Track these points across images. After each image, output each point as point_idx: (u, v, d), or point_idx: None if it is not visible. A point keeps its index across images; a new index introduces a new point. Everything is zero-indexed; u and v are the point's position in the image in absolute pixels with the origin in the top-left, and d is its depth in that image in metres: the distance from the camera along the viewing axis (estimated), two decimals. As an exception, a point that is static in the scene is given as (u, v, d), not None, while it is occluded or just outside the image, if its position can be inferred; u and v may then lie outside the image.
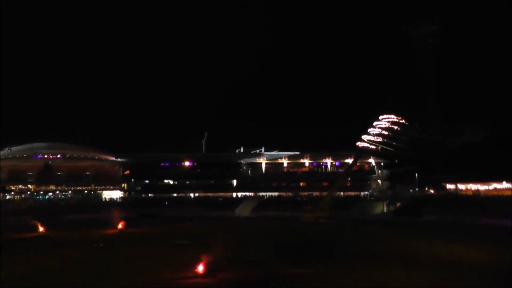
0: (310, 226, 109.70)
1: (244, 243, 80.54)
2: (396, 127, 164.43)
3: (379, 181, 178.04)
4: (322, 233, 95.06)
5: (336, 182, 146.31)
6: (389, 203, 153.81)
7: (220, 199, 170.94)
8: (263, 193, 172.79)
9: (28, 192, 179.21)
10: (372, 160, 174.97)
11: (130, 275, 57.07)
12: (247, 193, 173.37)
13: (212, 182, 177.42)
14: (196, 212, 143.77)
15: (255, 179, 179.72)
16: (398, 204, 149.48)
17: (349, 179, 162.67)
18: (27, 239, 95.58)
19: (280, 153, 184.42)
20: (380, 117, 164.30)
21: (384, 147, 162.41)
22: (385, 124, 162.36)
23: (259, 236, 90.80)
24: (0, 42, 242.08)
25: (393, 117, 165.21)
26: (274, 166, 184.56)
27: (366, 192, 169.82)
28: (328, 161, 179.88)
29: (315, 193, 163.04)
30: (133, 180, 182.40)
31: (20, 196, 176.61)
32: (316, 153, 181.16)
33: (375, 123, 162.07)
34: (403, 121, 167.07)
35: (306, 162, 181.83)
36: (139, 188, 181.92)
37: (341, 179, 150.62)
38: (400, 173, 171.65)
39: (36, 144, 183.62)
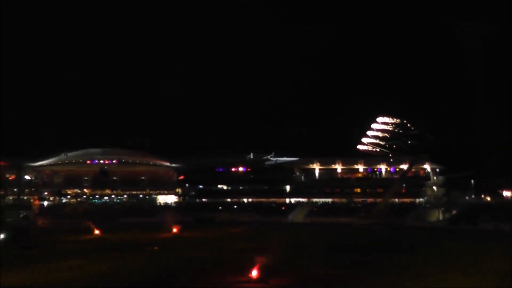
0: (365, 233, 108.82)
1: (298, 248, 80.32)
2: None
3: (434, 187, 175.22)
4: (378, 240, 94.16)
5: (391, 188, 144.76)
6: (444, 210, 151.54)
7: (274, 205, 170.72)
8: (317, 199, 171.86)
9: (84, 196, 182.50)
10: (427, 166, 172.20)
11: (184, 279, 57.54)
12: (301, 199, 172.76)
13: (266, 187, 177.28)
14: (250, 217, 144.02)
15: (308, 185, 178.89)
16: (453, 212, 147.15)
17: (404, 185, 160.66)
18: (83, 242, 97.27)
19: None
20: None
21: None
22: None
23: (313, 242, 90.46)
24: (52, 51, 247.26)
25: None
26: (327, 171, 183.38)
27: (421, 199, 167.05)
28: (383, 167, 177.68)
29: (370, 200, 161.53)
30: (187, 185, 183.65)
31: (76, 200, 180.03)
32: (371, 158, 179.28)
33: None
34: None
35: (361, 167, 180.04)
36: (193, 193, 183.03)
37: (396, 185, 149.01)
38: (456, 179, 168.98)
39: (92, 150, 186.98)
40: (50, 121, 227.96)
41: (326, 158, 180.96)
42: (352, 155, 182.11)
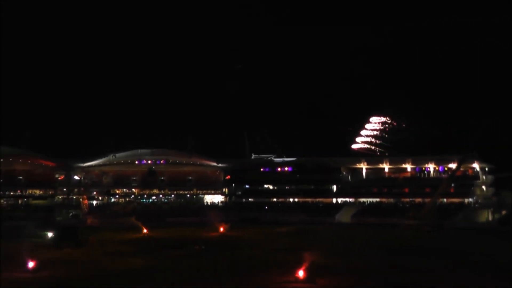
0: (413, 233, 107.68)
1: (345, 249, 79.85)
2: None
3: (483, 187, 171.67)
4: (426, 240, 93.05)
5: (439, 188, 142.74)
6: (494, 210, 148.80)
7: (320, 205, 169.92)
8: (364, 199, 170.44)
9: (132, 196, 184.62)
10: (476, 165, 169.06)
11: (232, 277, 57.68)
12: (347, 199, 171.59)
13: (312, 187, 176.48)
14: (296, 217, 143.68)
15: (355, 185, 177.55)
16: (503, 212, 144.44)
17: (452, 185, 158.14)
18: (132, 240, 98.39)
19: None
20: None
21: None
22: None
23: (361, 243, 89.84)
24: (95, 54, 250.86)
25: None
26: (375, 171, 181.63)
27: (470, 199, 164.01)
28: (431, 166, 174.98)
29: (418, 200, 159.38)
30: (234, 185, 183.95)
31: (125, 199, 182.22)
32: (419, 157, 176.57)
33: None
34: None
35: (408, 167, 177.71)
36: (240, 192, 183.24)
37: (444, 185, 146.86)
38: (506, 178, 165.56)
39: (140, 151, 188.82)
40: (99, 123, 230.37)
41: (374, 157, 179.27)
42: (399, 154, 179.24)
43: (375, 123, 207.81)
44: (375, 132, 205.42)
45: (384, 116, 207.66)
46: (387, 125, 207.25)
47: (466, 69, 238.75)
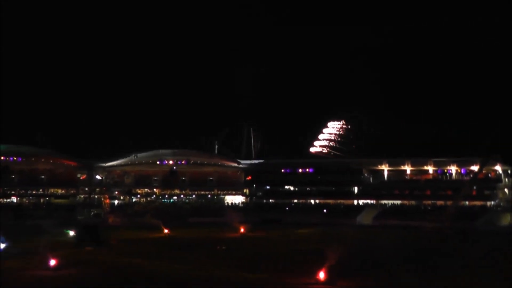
0: (435, 236, 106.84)
1: (366, 251, 79.43)
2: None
3: (506, 190, 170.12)
4: (449, 244, 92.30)
5: (461, 191, 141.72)
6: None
7: (341, 206, 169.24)
8: (385, 201, 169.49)
9: (154, 196, 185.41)
10: (498, 168, 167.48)
11: (252, 278, 57.62)
12: (369, 201, 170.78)
13: (333, 188, 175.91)
14: (317, 218, 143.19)
15: (376, 186, 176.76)
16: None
17: (474, 187, 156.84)
18: (153, 239, 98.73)
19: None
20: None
21: None
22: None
23: (382, 245, 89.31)
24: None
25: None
26: (396, 173, 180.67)
27: (492, 202, 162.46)
28: (453, 168, 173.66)
29: (440, 202, 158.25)
30: (254, 185, 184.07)
31: (146, 199, 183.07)
32: (441, 159, 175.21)
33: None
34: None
35: (430, 169, 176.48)
36: (260, 193, 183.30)
37: (466, 187, 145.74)
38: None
39: (161, 151, 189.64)
40: (120, 123, 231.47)
41: (395, 159, 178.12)
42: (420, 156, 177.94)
43: (332, 128, 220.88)
44: (333, 136, 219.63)
45: (340, 121, 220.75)
46: (343, 129, 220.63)
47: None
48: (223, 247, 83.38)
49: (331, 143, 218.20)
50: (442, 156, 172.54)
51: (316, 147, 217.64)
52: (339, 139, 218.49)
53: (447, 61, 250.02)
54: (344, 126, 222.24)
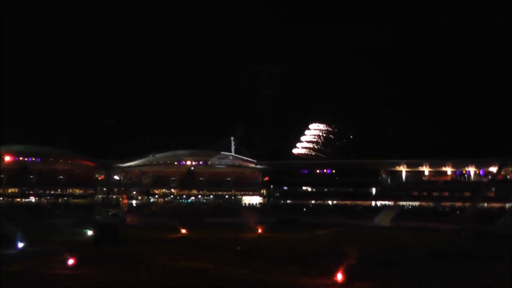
0: (453, 238, 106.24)
1: (384, 253, 79.09)
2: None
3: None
4: (466, 246, 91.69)
5: (480, 193, 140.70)
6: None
7: (359, 207, 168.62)
8: (403, 202, 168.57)
9: (171, 196, 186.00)
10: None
11: (270, 279, 57.50)
12: (387, 202, 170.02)
13: (351, 189, 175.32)
14: (335, 219, 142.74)
15: (394, 188, 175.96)
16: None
17: (493, 189, 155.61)
18: (171, 240, 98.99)
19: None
20: None
21: None
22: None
23: (400, 247, 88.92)
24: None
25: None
26: (414, 174, 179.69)
27: (511, 204, 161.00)
28: (471, 170, 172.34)
29: (458, 204, 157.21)
30: (272, 186, 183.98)
31: (164, 199, 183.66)
32: (459, 160, 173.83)
33: None
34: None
35: (448, 170, 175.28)
36: (278, 194, 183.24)
37: (485, 189, 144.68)
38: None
39: (179, 152, 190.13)
40: (138, 124, 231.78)
41: (413, 160, 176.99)
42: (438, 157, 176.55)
43: (315, 129, 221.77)
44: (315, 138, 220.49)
45: (323, 123, 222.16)
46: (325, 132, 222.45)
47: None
48: (243, 248, 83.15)
49: (315, 145, 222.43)
50: (460, 157, 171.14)
51: (299, 149, 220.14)
52: (346, 138, 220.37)
53: (459, 60, 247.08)
54: (328, 128, 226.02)
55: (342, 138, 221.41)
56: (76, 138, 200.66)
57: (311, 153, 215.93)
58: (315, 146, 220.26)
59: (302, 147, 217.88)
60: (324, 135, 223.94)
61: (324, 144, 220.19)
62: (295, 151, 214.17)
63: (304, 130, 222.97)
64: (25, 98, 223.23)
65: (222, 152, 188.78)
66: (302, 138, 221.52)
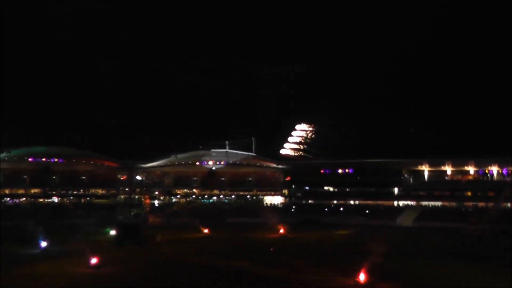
0: (475, 238, 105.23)
1: (407, 253, 78.51)
2: None
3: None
4: (489, 246, 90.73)
5: (503, 192, 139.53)
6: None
7: (381, 207, 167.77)
8: (426, 202, 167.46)
9: (193, 196, 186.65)
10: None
11: (292, 280, 57.37)
12: (409, 202, 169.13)
13: (373, 189, 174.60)
14: (357, 219, 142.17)
15: (417, 187, 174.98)
16: None
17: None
18: (193, 240, 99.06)
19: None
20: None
21: None
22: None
23: (423, 247, 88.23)
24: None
25: None
26: (436, 173, 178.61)
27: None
28: (494, 169, 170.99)
29: (481, 204, 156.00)
30: (293, 186, 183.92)
31: (185, 199, 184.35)
32: (482, 159, 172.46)
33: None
34: None
35: (471, 169, 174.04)
36: (299, 194, 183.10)
37: (508, 188, 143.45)
38: None
39: (200, 152, 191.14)
40: (160, 124, 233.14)
41: (436, 160, 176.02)
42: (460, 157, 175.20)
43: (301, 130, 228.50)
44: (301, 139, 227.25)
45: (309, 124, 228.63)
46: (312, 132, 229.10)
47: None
48: (271, 249, 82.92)
49: (302, 146, 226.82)
50: (483, 156, 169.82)
51: (286, 149, 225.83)
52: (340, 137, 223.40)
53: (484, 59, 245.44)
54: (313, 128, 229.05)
55: (334, 137, 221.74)
56: (98, 139, 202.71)
57: (299, 154, 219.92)
58: (302, 147, 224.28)
59: (290, 148, 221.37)
60: (312, 135, 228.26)
61: (311, 144, 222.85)
62: (282, 151, 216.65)
63: (291, 131, 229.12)
64: (46, 100, 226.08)
65: (242, 152, 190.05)
66: (289, 139, 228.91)
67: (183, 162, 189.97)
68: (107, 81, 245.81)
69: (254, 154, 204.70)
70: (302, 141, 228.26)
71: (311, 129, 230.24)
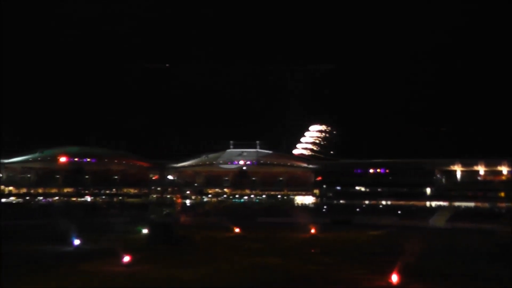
0: (509, 240, 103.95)
1: (440, 254, 77.85)
2: None
3: None
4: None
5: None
6: None
7: (413, 208, 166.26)
8: (458, 203, 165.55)
9: (224, 195, 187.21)
10: None
11: (323, 281, 57.26)
12: (441, 203, 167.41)
13: (405, 190, 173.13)
14: (389, 220, 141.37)
15: (449, 188, 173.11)
16: None
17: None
18: (225, 239, 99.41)
19: None
20: None
21: None
22: None
23: (456, 248, 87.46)
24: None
25: None
26: (469, 174, 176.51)
27: None
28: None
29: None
30: (324, 186, 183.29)
31: (217, 199, 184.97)
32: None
33: None
34: None
35: (504, 169, 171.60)
36: (331, 194, 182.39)
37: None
38: None
39: (231, 151, 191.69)
40: (191, 125, 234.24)
41: (468, 160, 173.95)
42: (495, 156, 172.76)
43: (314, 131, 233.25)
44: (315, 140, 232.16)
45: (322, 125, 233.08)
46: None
47: None
48: (312, 250, 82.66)
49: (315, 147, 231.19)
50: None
51: (299, 149, 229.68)
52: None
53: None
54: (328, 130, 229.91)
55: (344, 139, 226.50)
56: (131, 139, 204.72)
57: (311, 154, 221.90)
58: (315, 148, 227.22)
59: (302, 148, 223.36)
60: (325, 136, 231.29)
61: (324, 146, 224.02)
62: (295, 151, 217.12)
63: (304, 132, 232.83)
64: (81, 102, 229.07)
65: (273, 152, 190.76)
66: (302, 139, 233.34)
67: (214, 162, 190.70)
68: (138, 81, 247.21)
69: (286, 154, 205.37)
70: (316, 141, 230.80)
71: (326, 129, 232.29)
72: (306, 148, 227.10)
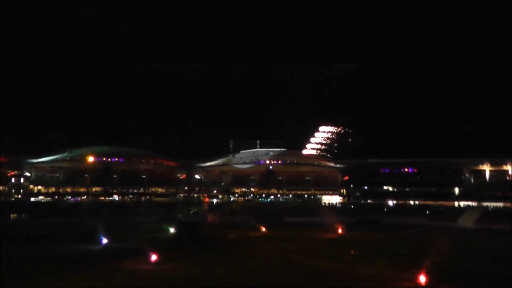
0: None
1: (469, 256, 77.10)
2: None
3: None
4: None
5: None
6: None
7: (441, 208, 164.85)
8: (487, 203, 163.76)
9: (251, 195, 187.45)
10: None
11: (351, 280, 57.10)
12: (470, 203, 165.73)
13: (433, 189, 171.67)
14: (416, 220, 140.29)
15: (478, 188, 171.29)
16: None
17: None
18: (253, 239, 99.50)
19: None
20: None
21: None
22: None
23: (485, 250, 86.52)
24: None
25: None
26: (498, 173, 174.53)
27: None
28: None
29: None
30: (352, 185, 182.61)
31: (243, 198, 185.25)
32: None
33: None
34: None
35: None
36: (358, 194, 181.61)
37: None
38: None
39: (258, 151, 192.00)
40: (218, 125, 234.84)
41: (497, 159, 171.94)
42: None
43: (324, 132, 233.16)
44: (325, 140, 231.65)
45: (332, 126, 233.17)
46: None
47: None
48: (351, 252, 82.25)
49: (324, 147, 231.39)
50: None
51: (308, 149, 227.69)
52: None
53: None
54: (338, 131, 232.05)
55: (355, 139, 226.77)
56: (158, 139, 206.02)
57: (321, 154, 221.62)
58: (324, 147, 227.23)
59: (312, 148, 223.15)
60: (334, 137, 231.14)
61: (333, 146, 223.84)
62: (304, 151, 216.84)
63: (313, 132, 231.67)
64: (110, 103, 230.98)
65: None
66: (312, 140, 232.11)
67: (240, 161, 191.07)
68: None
69: (314, 153, 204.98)
70: (326, 141, 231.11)
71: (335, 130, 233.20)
72: (315, 149, 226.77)
